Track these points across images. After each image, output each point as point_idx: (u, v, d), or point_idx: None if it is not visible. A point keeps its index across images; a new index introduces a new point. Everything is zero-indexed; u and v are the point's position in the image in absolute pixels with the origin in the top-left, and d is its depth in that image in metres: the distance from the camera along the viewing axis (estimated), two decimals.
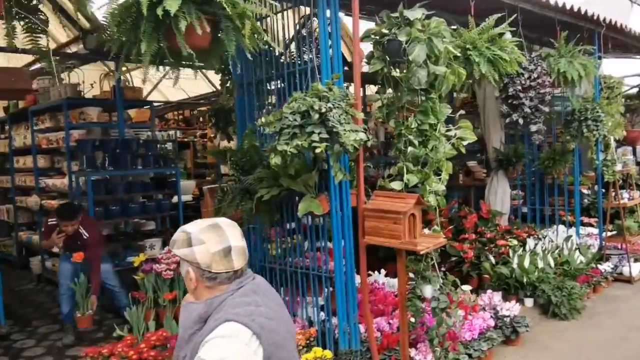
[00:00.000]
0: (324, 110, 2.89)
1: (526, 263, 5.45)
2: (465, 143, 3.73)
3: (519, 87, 4.76)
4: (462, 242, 6.18)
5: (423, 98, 3.67)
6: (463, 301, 4.48)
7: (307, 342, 3.60)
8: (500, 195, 7.04)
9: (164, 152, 6.88)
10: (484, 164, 7.84)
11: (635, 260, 6.44)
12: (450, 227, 6.42)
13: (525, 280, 5.30)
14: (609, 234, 6.55)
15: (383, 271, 5.16)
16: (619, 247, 6.38)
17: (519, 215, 7.26)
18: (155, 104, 11.37)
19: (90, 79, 7.00)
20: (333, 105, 3.03)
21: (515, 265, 5.48)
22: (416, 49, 3.36)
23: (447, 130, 3.62)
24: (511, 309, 4.41)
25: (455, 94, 8.93)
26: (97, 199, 5.59)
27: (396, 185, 3.64)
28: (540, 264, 5.50)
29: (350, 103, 3.18)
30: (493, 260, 5.65)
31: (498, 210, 6.93)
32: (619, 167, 6.04)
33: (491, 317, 4.39)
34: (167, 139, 9.16)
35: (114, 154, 5.69)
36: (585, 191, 8.07)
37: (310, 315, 3.94)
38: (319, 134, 2.93)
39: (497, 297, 5.53)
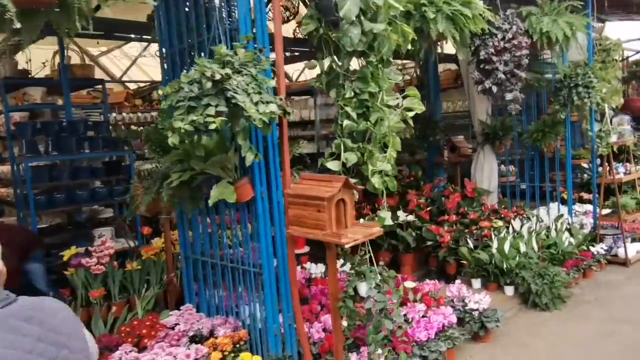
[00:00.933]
0: (218, 77, 2.38)
1: (506, 247, 4.93)
2: (411, 114, 3.20)
3: (492, 50, 4.18)
4: (440, 225, 5.66)
5: (364, 63, 3.16)
6: (428, 294, 4.00)
7: (236, 346, 3.15)
8: (487, 172, 6.48)
9: (124, 134, 6.41)
10: (471, 138, 7.27)
11: (633, 241, 5.87)
12: (429, 208, 5.90)
13: (505, 266, 4.79)
14: (606, 212, 5.97)
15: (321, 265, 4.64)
16: (617, 226, 5.82)
17: (516, 194, 6.72)
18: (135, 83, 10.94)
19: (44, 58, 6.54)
20: (237, 71, 2.52)
21: (494, 250, 4.96)
22: (347, 3, 2.81)
23: (392, 101, 3.09)
24: (480, 301, 3.91)
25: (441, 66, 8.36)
26: (40, 186, 5.17)
27: (332, 165, 3.14)
28: (523, 248, 4.97)
29: (262, 68, 2.66)
30: (471, 245, 5.13)
31: (484, 189, 6.39)
32: (613, 138, 5.44)
33: (458, 310, 3.91)
34: (141, 121, 8.69)
35: (57, 137, 5.23)
36: (585, 165, 7.47)
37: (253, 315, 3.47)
38: (215, 106, 2.43)
39: (476, 284, 5.06)
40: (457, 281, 4.23)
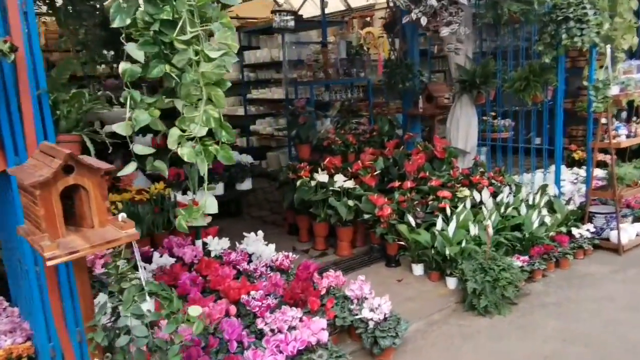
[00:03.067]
0: None
1: (451, 227, 3.89)
2: (231, 61, 2.16)
3: None
4: (389, 193, 4.65)
5: None
6: (309, 293, 3.08)
7: None
8: (464, 128, 5.33)
9: None
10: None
11: (636, 221, 4.69)
12: (378, 172, 4.87)
13: (447, 252, 3.78)
14: (602, 184, 4.77)
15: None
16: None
17: (508, 153, 5.60)
18: None
19: None
20: None
21: (437, 230, 3.94)
22: None
23: (195, 36, 2.05)
24: (379, 307, 2.95)
25: None
26: None
27: (119, 128, 2.18)
28: (474, 230, 3.93)
29: None
30: (412, 221, 4.11)
31: (459, 148, 5.27)
32: (614, 90, 4.17)
33: (343, 317, 2.98)
34: None
35: None
36: (603, 120, 6.14)
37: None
38: None
39: (417, 270, 4.09)
40: (360, 277, 3.25)
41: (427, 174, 4.88)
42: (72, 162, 1.73)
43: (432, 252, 3.89)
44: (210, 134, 2.16)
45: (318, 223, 4.68)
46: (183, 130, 2.18)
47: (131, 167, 2.19)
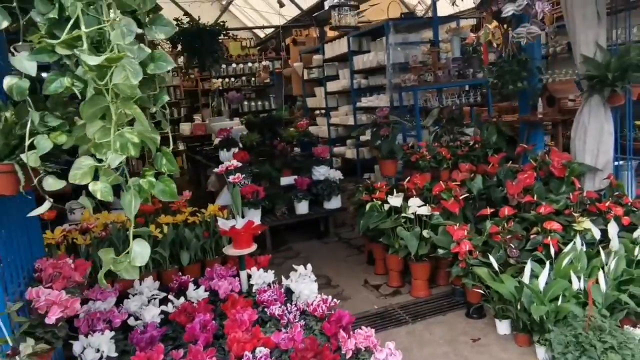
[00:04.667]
0: None
1: (543, 276, 2.87)
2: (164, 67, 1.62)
3: None
4: (480, 223, 3.72)
5: None
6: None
7: None
8: (593, 138, 4.16)
9: None
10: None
11: None
12: (468, 194, 3.96)
13: (533, 311, 2.78)
14: None
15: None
16: None
17: None
18: None
19: None
20: None
21: (526, 280, 2.94)
22: None
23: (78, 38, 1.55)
24: None
25: None
26: None
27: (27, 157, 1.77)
28: (577, 282, 2.85)
29: None
30: (495, 264, 3.15)
31: (586, 164, 4.10)
32: None
33: None
34: None
35: None
36: None
37: None
38: None
39: (501, 328, 3.13)
40: (390, 343, 2.46)
41: (536, 197, 3.83)
42: None
43: (518, 307, 2.91)
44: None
45: (391, 255, 3.92)
46: (99, 160, 1.71)
47: (45, 207, 1.81)
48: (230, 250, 3.47)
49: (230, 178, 3.49)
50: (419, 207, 3.73)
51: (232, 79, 11.82)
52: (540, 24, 2.96)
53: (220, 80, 11.71)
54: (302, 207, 5.39)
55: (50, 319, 2.11)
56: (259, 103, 12.22)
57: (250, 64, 12.03)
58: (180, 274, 3.64)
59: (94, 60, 1.48)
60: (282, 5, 9.95)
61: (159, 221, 3.94)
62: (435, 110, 5.15)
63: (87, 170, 1.67)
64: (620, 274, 2.94)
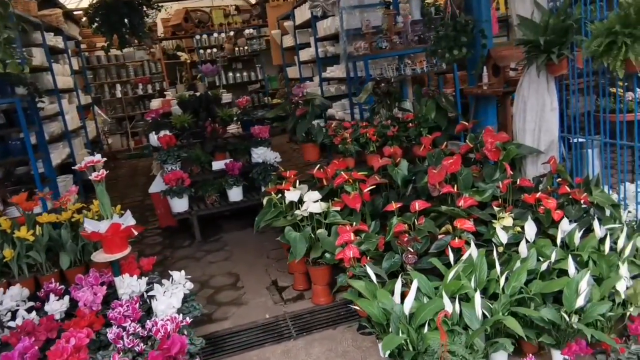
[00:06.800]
0: None
1: (411, 294, 2.36)
2: None
3: None
4: (386, 220, 3.21)
5: None
6: None
7: None
8: (536, 114, 3.52)
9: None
10: None
11: None
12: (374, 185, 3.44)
13: (384, 344, 2.27)
14: None
15: None
16: None
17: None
18: None
19: None
20: None
21: (396, 299, 2.44)
22: None
23: None
24: None
25: None
26: None
27: None
28: (449, 304, 2.32)
29: None
30: (373, 275, 2.64)
31: (526, 145, 3.53)
32: None
33: None
34: None
35: None
36: None
37: None
38: None
39: None
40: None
41: (458, 187, 3.28)
42: None
43: (390, 331, 2.42)
44: None
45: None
46: None
47: None
48: (99, 256, 3.08)
49: (93, 175, 3.07)
50: (314, 202, 3.23)
51: (214, 50, 11.28)
52: None
53: (190, 54, 11.18)
54: (235, 194, 4.95)
55: None
56: (245, 74, 11.68)
57: (232, 33, 11.44)
58: (53, 280, 3.27)
59: None
60: None
61: (38, 220, 3.57)
62: (369, 83, 4.55)
63: None
64: (516, 291, 2.40)
